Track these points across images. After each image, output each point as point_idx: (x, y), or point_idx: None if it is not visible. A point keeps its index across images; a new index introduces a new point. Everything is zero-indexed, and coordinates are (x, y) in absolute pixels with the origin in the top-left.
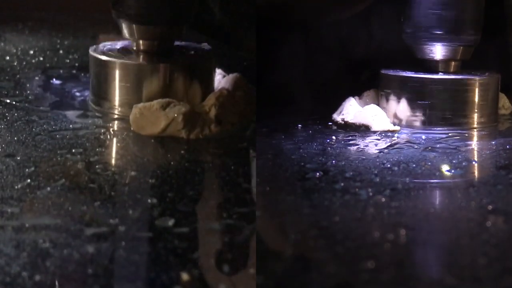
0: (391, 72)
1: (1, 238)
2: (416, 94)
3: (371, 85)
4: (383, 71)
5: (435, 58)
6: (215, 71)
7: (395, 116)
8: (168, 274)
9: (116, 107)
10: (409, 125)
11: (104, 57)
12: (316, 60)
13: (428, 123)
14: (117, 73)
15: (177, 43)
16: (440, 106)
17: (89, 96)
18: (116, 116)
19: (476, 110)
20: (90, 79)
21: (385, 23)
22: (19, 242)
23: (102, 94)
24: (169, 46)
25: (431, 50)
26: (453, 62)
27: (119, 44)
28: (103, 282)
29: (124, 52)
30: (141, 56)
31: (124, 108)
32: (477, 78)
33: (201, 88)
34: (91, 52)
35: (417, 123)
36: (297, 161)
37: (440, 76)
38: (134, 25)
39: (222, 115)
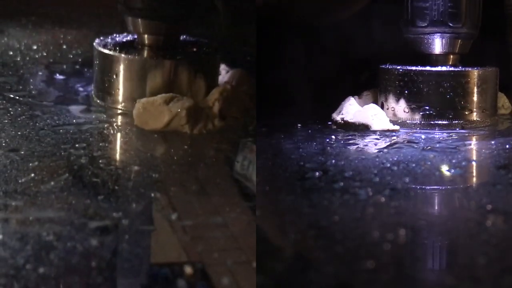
0: (389, 67)
1: (5, 231)
2: (415, 87)
3: (371, 85)
4: (381, 66)
5: (433, 51)
6: (219, 66)
7: (394, 110)
8: (172, 267)
9: (120, 101)
10: (408, 118)
11: (108, 51)
12: (316, 60)
13: (427, 115)
14: (121, 67)
15: (182, 38)
16: (439, 99)
17: (92, 90)
18: (119, 111)
19: (475, 102)
20: (94, 73)
21: (385, 23)
22: (23, 235)
23: (106, 88)
24: (174, 41)
25: (430, 43)
26: (451, 56)
27: (124, 38)
28: (107, 275)
29: (129, 46)
30: (146, 51)
31: (128, 103)
32: (475, 70)
33: (205, 83)
34: (95, 46)
35: (416, 116)
36: (296, 161)
37: (439, 68)
38: (139, 20)
39: (225, 110)
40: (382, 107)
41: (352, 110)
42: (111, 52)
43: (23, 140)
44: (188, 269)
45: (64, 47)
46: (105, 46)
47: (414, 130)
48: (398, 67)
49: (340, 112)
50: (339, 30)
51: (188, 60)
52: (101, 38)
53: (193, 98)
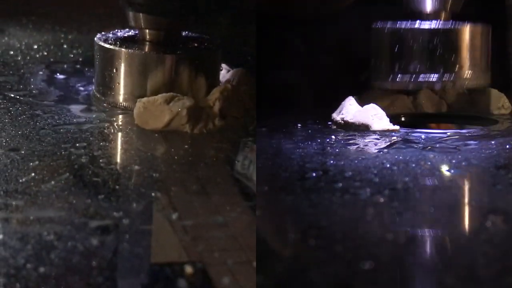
0: (379, 25)
1: (6, 231)
2: (405, 44)
3: (371, 85)
4: (373, 25)
5: (425, 9)
6: (220, 63)
7: (385, 68)
8: (172, 267)
9: (120, 96)
10: (398, 76)
11: (109, 46)
12: (316, 60)
13: (417, 72)
14: (122, 61)
15: (183, 34)
16: (429, 55)
17: (93, 86)
18: (120, 111)
19: (466, 58)
20: (95, 68)
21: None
22: (23, 235)
23: (106, 82)
24: (175, 37)
25: (421, 1)
26: (443, 13)
27: (125, 34)
28: (107, 274)
29: (130, 41)
30: (147, 46)
31: (128, 97)
32: (466, 25)
33: (206, 81)
34: (96, 40)
35: (407, 73)
36: (296, 161)
37: (429, 25)
38: (141, 15)
39: (226, 109)
40: (374, 66)
41: (352, 110)
42: (111, 46)
43: (24, 140)
44: (188, 269)
45: (65, 46)
46: (106, 41)
47: (414, 130)
48: (388, 25)
49: (340, 112)
50: (339, 30)
51: (189, 55)
52: (102, 33)
53: (194, 95)
